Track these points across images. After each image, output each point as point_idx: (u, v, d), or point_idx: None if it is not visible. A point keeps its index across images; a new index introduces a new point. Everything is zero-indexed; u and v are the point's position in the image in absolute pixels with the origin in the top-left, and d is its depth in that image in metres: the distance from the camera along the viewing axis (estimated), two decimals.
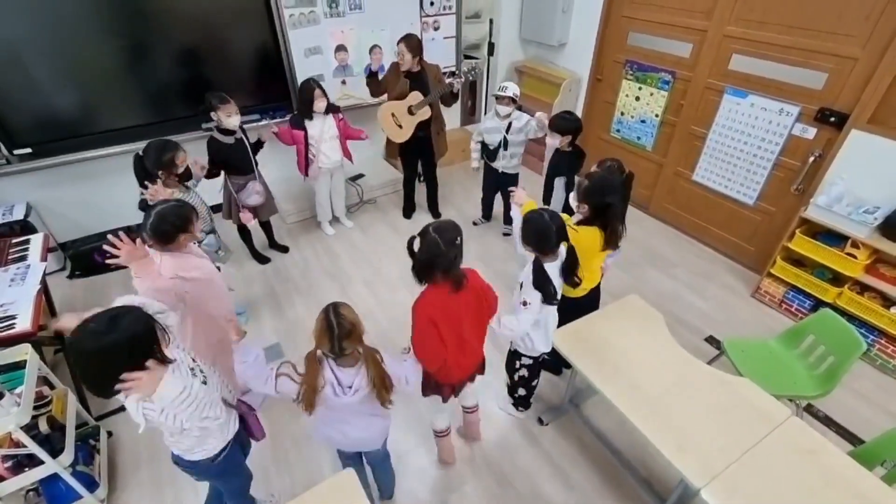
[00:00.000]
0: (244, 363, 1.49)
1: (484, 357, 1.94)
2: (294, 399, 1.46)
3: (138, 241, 1.65)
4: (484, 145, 3.39)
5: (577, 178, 2.11)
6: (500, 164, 3.36)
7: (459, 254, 1.59)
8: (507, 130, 3.19)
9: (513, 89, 3.08)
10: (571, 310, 2.11)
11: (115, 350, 1.18)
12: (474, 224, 3.91)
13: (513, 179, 3.41)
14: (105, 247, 1.60)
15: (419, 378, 1.68)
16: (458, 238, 1.58)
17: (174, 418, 1.30)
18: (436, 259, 1.55)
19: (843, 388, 2.43)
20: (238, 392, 1.64)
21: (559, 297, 1.85)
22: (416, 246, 1.59)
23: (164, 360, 1.28)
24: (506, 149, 3.26)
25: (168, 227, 1.79)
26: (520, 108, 3.23)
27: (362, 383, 1.49)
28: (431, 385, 1.88)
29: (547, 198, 3.08)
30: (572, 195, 2.08)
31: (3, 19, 2.69)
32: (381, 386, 1.48)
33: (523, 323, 1.85)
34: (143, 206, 2.13)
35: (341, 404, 1.48)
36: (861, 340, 1.97)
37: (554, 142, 2.86)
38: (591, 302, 2.28)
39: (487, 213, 3.89)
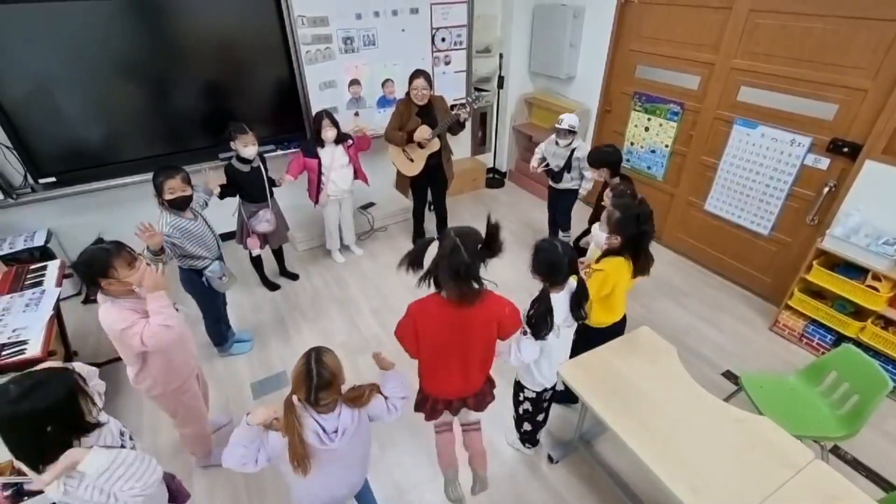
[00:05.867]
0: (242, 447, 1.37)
1: (480, 391, 1.86)
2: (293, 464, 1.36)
3: (161, 267, 1.65)
4: (548, 168, 3.41)
5: (607, 209, 2.07)
6: (563, 185, 3.40)
7: (466, 264, 1.46)
8: (570, 156, 3.25)
9: (568, 121, 3.14)
10: (598, 340, 2.08)
11: (30, 418, 1.12)
12: None
13: (571, 195, 3.45)
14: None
15: (404, 385, 1.64)
16: (477, 245, 1.48)
17: (101, 493, 1.20)
18: (449, 264, 1.47)
19: (872, 429, 2.31)
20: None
21: (549, 335, 1.76)
22: (435, 248, 1.54)
23: (87, 429, 1.24)
24: (569, 171, 3.32)
25: (82, 269, 1.63)
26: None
27: (346, 423, 1.41)
28: (420, 399, 1.88)
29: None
30: (599, 226, 2.07)
31: (32, 56, 2.84)
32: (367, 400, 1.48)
33: (525, 351, 1.79)
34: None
35: (327, 453, 1.39)
36: (887, 378, 1.87)
37: (595, 175, 2.97)
38: (618, 333, 2.22)
39: (555, 230, 3.78)
